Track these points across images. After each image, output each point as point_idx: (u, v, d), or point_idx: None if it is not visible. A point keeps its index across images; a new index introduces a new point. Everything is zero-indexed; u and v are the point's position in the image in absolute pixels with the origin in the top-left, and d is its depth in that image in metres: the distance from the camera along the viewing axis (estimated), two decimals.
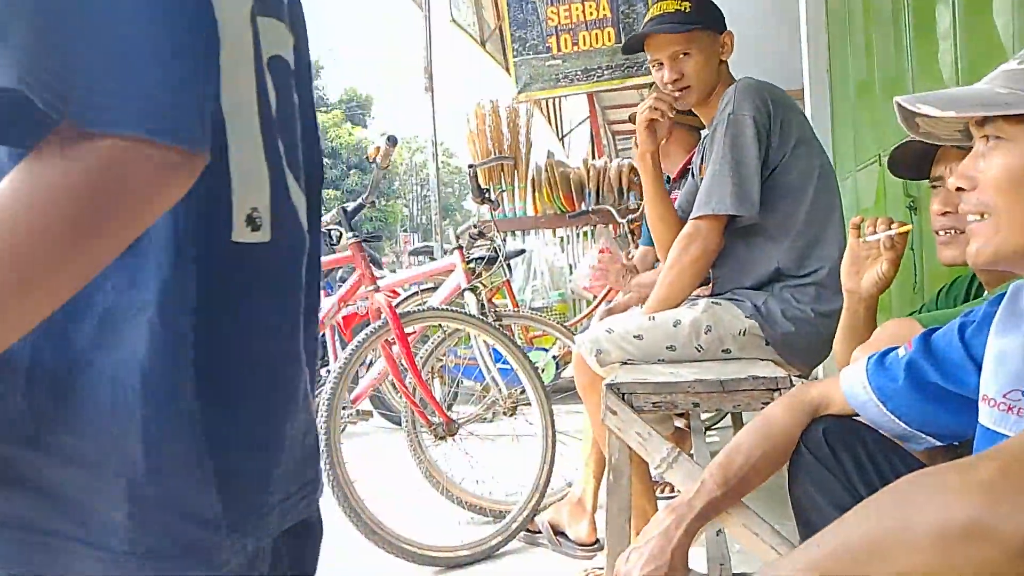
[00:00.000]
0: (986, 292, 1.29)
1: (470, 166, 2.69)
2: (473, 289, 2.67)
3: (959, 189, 0.85)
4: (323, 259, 2.67)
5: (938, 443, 1.03)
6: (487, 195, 2.73)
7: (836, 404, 1.06)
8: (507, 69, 5.58)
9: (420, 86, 5.02)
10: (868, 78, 3.08)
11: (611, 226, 4.05)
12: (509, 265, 4.13)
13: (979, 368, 0.93)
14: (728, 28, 1.92)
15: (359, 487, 2.00)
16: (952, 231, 1.27)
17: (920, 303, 1.70)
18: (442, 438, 2.17)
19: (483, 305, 2.67)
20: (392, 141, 2.11)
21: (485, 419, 3.37)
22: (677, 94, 1.88)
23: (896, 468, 0.99)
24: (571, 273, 4.34)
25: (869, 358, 1.06)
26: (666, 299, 1.79)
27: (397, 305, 3.36)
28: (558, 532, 2.09)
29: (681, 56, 1.85)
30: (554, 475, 2.29)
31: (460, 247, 2.74)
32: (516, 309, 3.65)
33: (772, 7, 4.31)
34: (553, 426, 2.25)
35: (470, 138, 4.32)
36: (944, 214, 1.28)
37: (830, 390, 1.08)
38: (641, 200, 3.52)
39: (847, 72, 3.44)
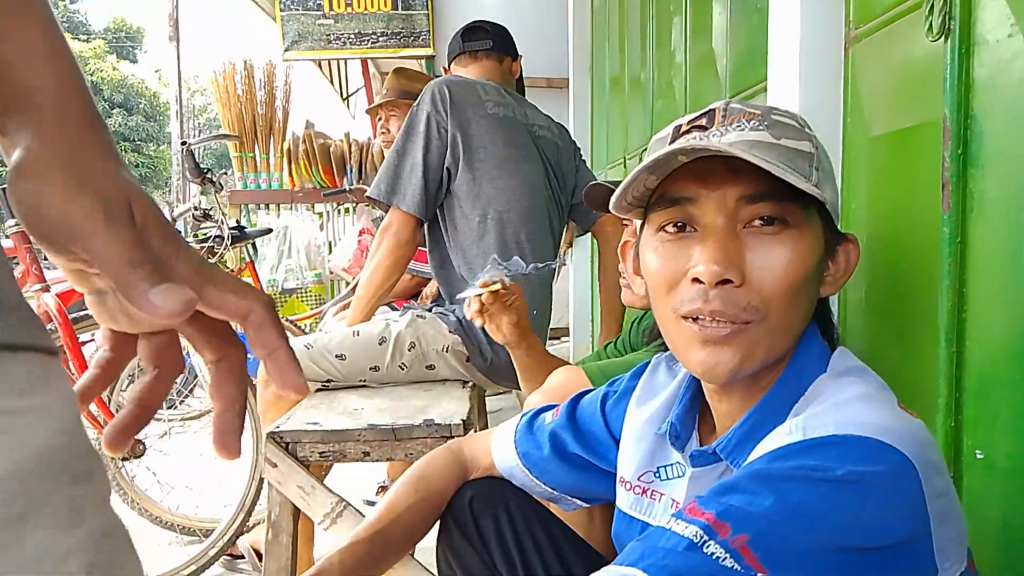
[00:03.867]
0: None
1: (183, 143, 2.36)
2: None
3: (723, 282, 0.64)
4: None
5: (586, 504, 0.99)
6: (208, 175, 2.43)
7: (487, 465, 0.99)
8: (276, 20, 5.13)
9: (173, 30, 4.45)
10: (620, 79, 3.15)
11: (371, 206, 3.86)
12: (254, 245, 3.82)
13: (617, 443, 0.89)
14: (520, 54, 2.01)
15: None
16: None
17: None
18: (126, 459, 1.89)
19: None
20: None
21: (193, 416, 3.09)
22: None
23: (537, 537, 0.93)
24: (330, 252, 4.11)
25: (521, 418, 1.00)
26: (364, 296, 1.72)
27: None
28: (261, 555, 1.91)
29: None
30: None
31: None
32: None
33: (545, 3, 4.31)
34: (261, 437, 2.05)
35: (219, 101, 3.89)
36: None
37: (483, 449, 1.01)
38: None
39: (604, 71, 3.52)
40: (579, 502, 0.98)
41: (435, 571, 1.02)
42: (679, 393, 0.81)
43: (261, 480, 2.04)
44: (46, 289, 1.84)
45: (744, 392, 0.71)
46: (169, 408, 3.02)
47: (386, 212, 1.78)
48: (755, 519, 0.53)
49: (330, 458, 1.16)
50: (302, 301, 3.95)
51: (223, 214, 2.51)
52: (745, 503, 0.54)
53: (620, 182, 0.72)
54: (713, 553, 0.51)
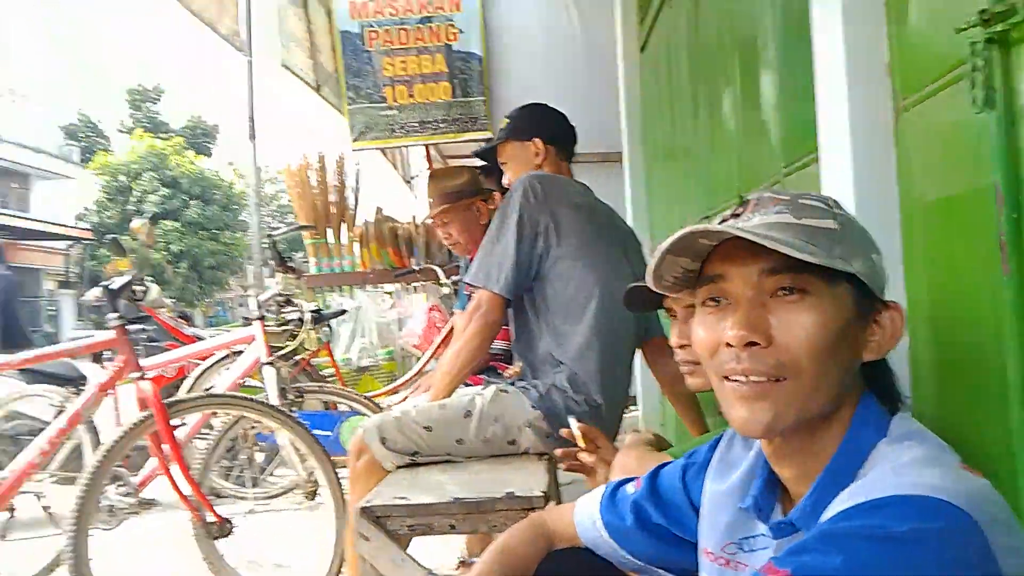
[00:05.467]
0: None
1: (267, 236, 2.54)
2: (274, 363, 2.50)
3: (750, 344, 0.73)
4: (88, 342, 2.40)
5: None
6: (288, 262, 2.60)
7: (571, 535, 1.03)
8: (343, 114, 5.46)
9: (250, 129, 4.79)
10: (673, 150, 3.24)
11: (440, 283, 4.00)
12: (330, 325, 3.98)
13: (698, 513, 0.92)
14: (536, 135, 2.11)
15: None
16: (692, 364, 1.29)
17: None
18: (216, 537, 1.98)
19: (284, 380, 2.51)
20: (154, 220, 1.94)
21: (277, 495, 3.18)
22: None
23: None
24: (400, 329, 4.24)
25: (605, 490, 1.04)
26: (449, 373, 1.80)
27: (204, 372, 3.12)
28: None
29: (505, 165, 2.14)
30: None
31: (261, 317, 2.57)
32: (336, 372, 3.51)
33: (599, 78, 4.48)
34: (346, 512, 2.12)
35: (293, 192, 4.14)
36: (682, 347, 1.31)
37: (566, 520, 1.05)
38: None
39: (658, 143, 3.61)
40: (662, 573, 1.00)
41: None
42: (756, 468, 0.85)
43: (342, 557, 2.10)
44: (142, 377, 1.99)
45: (803, 455, 0.76)
46: (254, 487, 3.14)
47: (468, 295, 1.91)
48: None
49: (417, 531, 1.22)
50: (374, 378, 4.07)
51: (303, 299, 2.66)
52: (817, 562, 0.58)
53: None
54: None
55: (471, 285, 1.85)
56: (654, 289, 0.84)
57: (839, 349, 0.73)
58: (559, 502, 1.23)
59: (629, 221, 3.71)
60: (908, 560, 0.56)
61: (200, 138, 30.33)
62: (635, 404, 3.95)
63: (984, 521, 0.59)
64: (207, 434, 3.66)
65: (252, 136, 4.39)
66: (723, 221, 0.79)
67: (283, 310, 2.78)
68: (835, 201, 0.79)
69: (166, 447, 1.91)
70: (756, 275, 0.75)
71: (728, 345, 0.74)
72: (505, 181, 2.13)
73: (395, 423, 1.66)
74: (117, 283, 1.97)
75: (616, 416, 1.81)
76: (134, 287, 2.06)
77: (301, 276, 2.63)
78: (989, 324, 1.01)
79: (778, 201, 0.77)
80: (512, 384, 1.81)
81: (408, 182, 9.26)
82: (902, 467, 0.66)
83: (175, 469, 1.94)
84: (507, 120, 2.14)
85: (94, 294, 2.04)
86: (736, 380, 0.74)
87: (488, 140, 5.29)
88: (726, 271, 0.76)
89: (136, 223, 1.94)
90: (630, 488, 1.00)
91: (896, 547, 0.57)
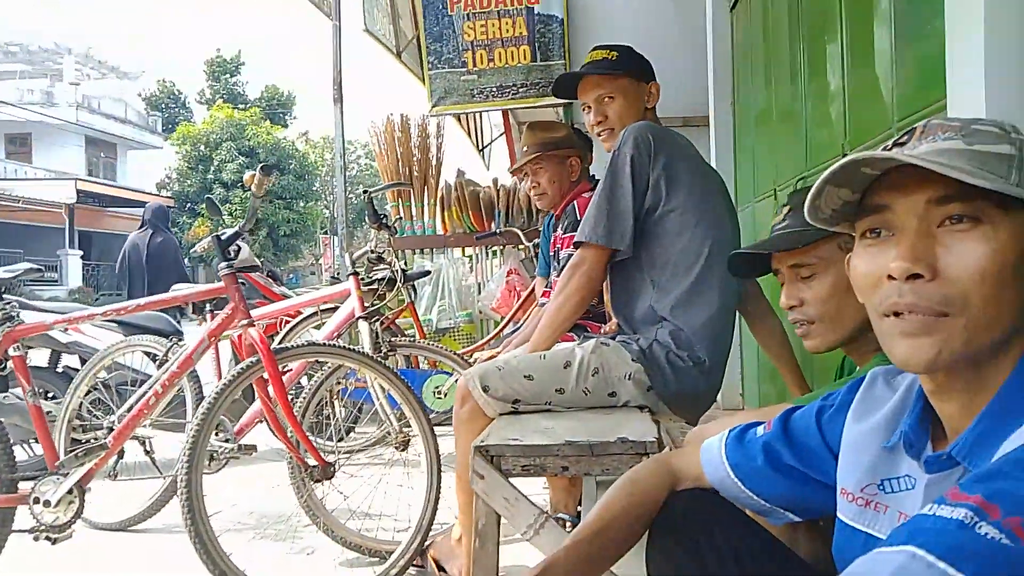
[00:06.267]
0: (857, 368, 1.28)
1: (364, 191, 2.58)
2: (368, 317, 2.56)
3: (914, 276, 0.68)
4: (198, 289, 2.51)
5: (798, 519, 1.00)
6: (384, 220, 2.64)
7: (696, 475, 1.03)
8: (423, 80, 5.49)
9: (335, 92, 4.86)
10: (768, 111, 3.14)
11: (519, 247, 4.01)
12: (414, 286, 4.05)
13: (836, 456, 0.91)
14: (653, 79, 2.02)
15: (219, 521, 1.87)
16: (807, 324, 1.26)
17: None
18: (318, 481, 2.06)
19: (377, 334, 2.57)
20: (266, 171, 1.99)
21: (361, 448, 3.27)
22: (604, 134, 1.98)
23: (752, 549, 0.95)
24: (479, 292, 4.28)
25: (729, 433, 1.03)
26: (550, 327, 1.80)
27: (294, 327, 3.22)
28: (441, 567, 2.02)
29: (606, 100, 1.97)
30: (444, 506, 2.20)
31: (355, 273, 2.63)
32: (419, 332, 3.57)
33: (681, 39, 4.36)
34: (438, 463, 2.17)
35: (377, 155, 4.20)
36: (792, 308, 1.28)
37: (691, 460, 1.04)
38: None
39: (749, 104, 3.51)
40: (791, 515, 0.99)
41: None
42: (910, 403, 0.83)
43: (437, 501, 2.15)
44: (251, 324, 2.06)
45: (968, 390, 0.72)
46: (338, 440, 3.24)
47: (554, 255, 1.86)
48: None
49: (531, 471, 1.24)
50: (454, 340, 4.13)
51: (395, 257, 2.70)
52: (1013, 487, 0.55)
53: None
54: (987, 533, 0.53)
55: (579, 242, 1.80)
56: (811, 223, 0.81)
57: (1012, 283, 0.68)
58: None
59: None
60: None
61: (276, 108, 31.05)
62: None
63: None
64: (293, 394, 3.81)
65: (338, 100, 4.45)
66: (886, 150, 0.75)
67: (374, 268, 2.83)
68: (1013, 126, 0.74)
69: (272, 387, 1.98)
70: (923, 204, 0.71)
71: (890, 278, 0.71)
72: (591, 119, 2.00)
73: (497, 372, 1.67)
74: (226, 233, 2.04)
75: (720, 374, 1.79)
76: (239, 242, 2.12)
77: (395, 234, 2.67)
78: None
79: (948, 128, 0.73)
80: (613, 338, 1.80)
81: (481, 151, 9.28)
82: None
83: (279, 412, 2.02)
84: (611, 52, 1.99)
85: (203, 245, 2.12)
86: (899, 316, 0.70)
87: (567, 105, 5.27)
88: (891, 200, 0.72)
89: (249, 174, 1.99)
90: (760, 431, 0.99)
91: None
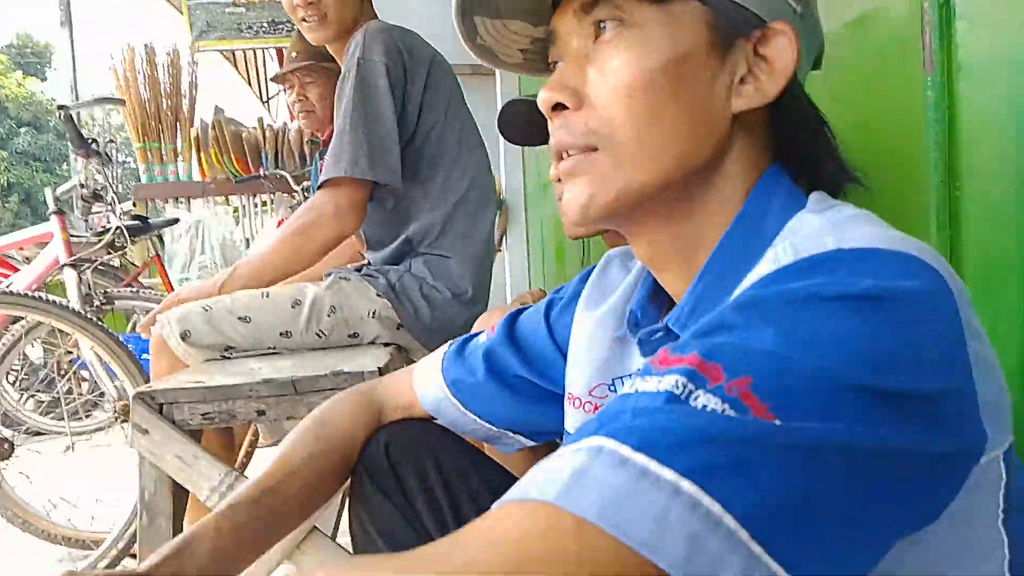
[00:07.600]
0: None
1: (60, 107, 2.07)
2: (76, 265, 2.10)
3: (557, 107, 0.54)
4: None
5: (532, 443, 0.82)
6: (93, 146, 2.14)
7: (407, 403, 0.81)
8: (181, 11, 4.83)
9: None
10: None
11: (290, 193, 3.61)
12: (161, 237, 3.53)
13: (565, 357, 0.72)
14: None
15: None
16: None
17: None
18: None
19: (89, 285, 2.12)
20: None
21: (99, 428, 2.80)
22: (312, 22, 1.54)
23: (472, 485, 0.75)
24: (247, 247, 3.83)
25: (448, 347, 0.81)
26: (281, 260, 1.44)
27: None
28: None
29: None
30: None
31: (59, 211, 2.14)
32: (168, 290, 3.09)
33: None
34: None
35: (119, 89, 3.59)
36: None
37: (402, 387, 0.82)
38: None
39: None
40: (523, 439, 0.80)
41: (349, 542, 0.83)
42: (638, 283, 0.65)
43: None
44: None
45: (679, 251, 0.56)
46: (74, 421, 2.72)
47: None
48: (756, 357, 0.36)
49: (216, 420, 0.95)
50: None
51: (115, 193, 2.23)
52: (738, 339, 0.37)
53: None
54: (705, 405, 0.35)
55: (337, 180, 1.42)
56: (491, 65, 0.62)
57: (668, 96, 0.51)
58: None
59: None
60: (870, 327, 0.37)
61: (29, 58, 27.07)
62: None
63: (956, 291, 0.42)
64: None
65: (65, 22, 3.75)
66: None
67: (91, 209, 2.35)
68: None
69: None
70: (572, 17, 0.55)
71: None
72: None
73: (202, 315, 1.34)
74: None
75: (484, 303, 1.59)
76: None
77: (109, 163, 2.18)
78: (909, 131, 0.86)
79: None
80: (356, 271, 1.54)
81: (265, 103, 8.55)
82: (839, 223, 0.46)
83: None
84: None
85: None
86: (562, 158, 0.55)
87: None
88: (555, 23, 0.57)
89: None
90: (482, 338, 0.78)
91: (853, 309, 0.37)
